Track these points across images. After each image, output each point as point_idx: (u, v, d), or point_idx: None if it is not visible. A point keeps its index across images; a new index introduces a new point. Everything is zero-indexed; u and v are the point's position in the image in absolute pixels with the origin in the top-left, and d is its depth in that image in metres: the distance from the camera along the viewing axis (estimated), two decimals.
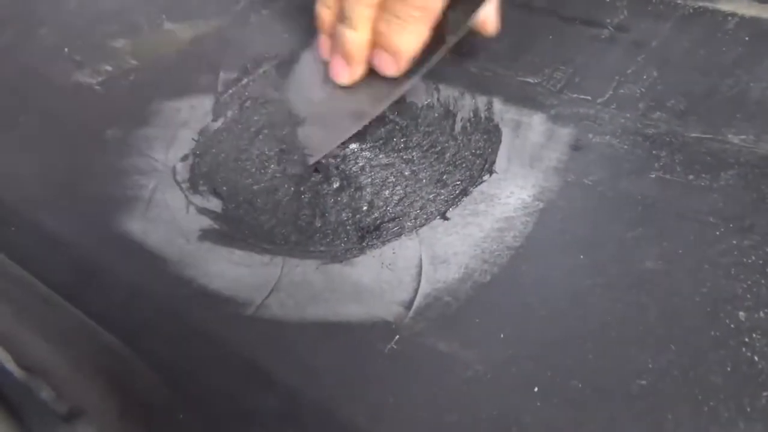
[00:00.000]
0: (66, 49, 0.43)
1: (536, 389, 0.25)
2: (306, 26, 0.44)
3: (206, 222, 0.33)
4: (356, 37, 0.28)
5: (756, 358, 0.24)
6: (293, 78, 0.37)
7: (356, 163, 0.34)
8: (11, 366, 0.14)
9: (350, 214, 0.32)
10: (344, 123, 0.33)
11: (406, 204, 0.32)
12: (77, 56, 0.43)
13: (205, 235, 0.32)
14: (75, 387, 0.16)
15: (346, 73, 0.31)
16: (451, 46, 0.31)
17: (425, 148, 0.34)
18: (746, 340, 0.25)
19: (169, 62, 0.43)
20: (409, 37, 0.28)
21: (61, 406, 0.15)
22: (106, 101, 0.40)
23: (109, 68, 0.42)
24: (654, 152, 0.32)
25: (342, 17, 0.29)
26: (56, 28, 0.45)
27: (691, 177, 0.31)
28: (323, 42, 0.32)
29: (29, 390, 0.15)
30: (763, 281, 0.26)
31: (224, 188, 0.34)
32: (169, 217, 0.33)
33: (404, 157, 0.34)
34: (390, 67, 0.29)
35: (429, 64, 0.31)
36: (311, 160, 0.34)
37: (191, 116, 0.38)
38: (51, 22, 0.46)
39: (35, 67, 0.43)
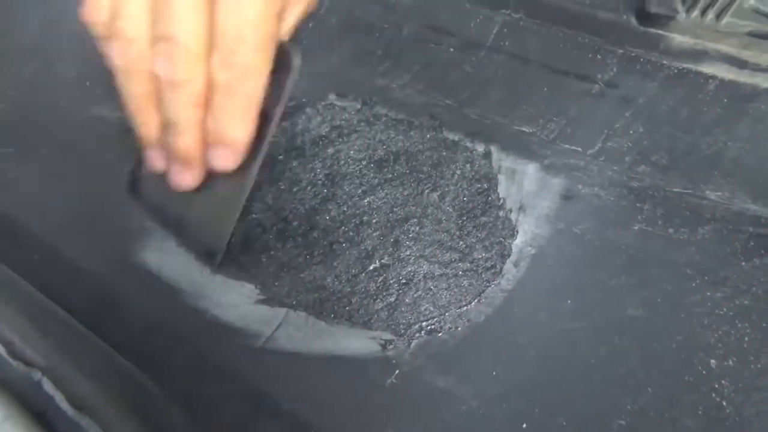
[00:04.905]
0: (87, 83, 0.45)
1: (525, 425, 0.27)
2: None
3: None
4: (189, 141, 0.28)
5: (724, 403, 0.26)
6: (143, 200, 0.35)
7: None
8: (64, 405, 0.16)
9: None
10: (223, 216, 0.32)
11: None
12: (98, 90, 0.45)
13: (219, 268, 0.35)
14: (117, 423, 0.18)
15: (189, 178, 0.30)
16: (279, 120, 0.30)
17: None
18: (716, 386, 0.27)
19: None
20: (242, 126, 0.27)
21: None
22: (126, 135, 0.42)
23: None
24: (638, 205, 0.35)
25: (168, 126, 0.28)
26: (78, 61, 0.47)
27: (671, 230, 0.33)
28: (153, 156, 0.31)
29: (79, 427, 0.17)
30: (732, 332, 0.29)
31: None
32: (184, 250, 0.35)
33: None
34: (228, 161, 0.29)
35: (265, 144, 0.30)
36: (218, 258, 0.34)
37: None
38: (73, 55, 0.48)
39: (56, 99, 0.44)
